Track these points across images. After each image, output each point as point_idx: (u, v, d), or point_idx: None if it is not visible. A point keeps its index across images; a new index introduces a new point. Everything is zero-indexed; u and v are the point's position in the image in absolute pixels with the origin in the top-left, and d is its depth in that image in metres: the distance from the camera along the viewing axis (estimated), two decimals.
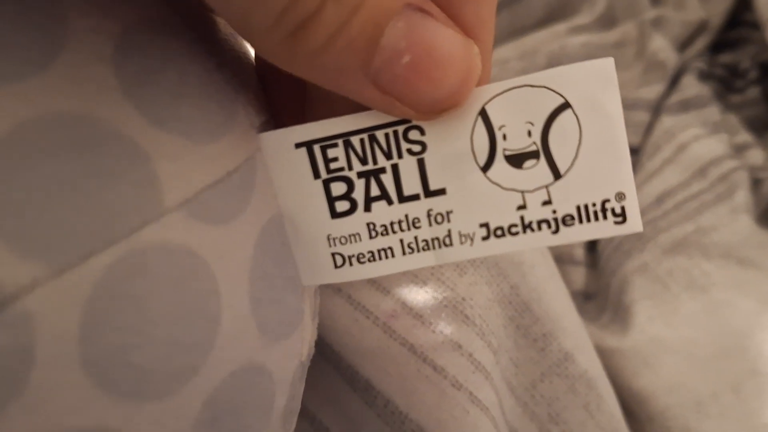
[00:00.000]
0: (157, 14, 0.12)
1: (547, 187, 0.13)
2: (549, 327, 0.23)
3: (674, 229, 0.28)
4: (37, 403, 0.10)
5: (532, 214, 0.13)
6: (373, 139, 0.13)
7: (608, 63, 0.12)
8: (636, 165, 0.31)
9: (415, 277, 0.22)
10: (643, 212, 0.29)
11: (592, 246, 0.31)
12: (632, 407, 0.26)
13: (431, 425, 0.21)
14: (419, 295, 0.22)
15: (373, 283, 0.23)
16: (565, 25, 0.32)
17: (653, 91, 0.31)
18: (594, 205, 0.12)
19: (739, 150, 0.30)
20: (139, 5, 0.12)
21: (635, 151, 0.31)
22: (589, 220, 0.12)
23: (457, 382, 0.21)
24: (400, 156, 0.13)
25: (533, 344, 0.23)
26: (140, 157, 0.11)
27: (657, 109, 0.31)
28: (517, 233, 0.13)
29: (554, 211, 0.13)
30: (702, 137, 0.30)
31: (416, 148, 0.13)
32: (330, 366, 0.23)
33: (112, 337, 0.10)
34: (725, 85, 0.33)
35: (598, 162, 0.12)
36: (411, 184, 0.13)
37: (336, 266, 0.14)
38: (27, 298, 0.10)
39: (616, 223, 0.12)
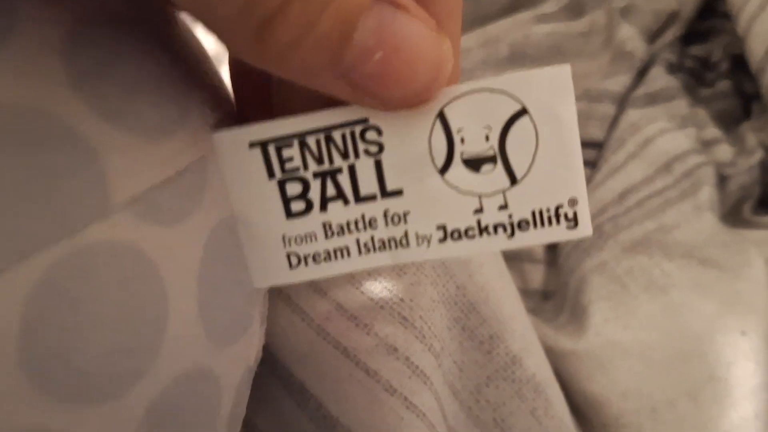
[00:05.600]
0: (112, 7, 0.12)
1: (503, 191, 0.13)
2: (496, 329, 0.22)
3: (636, 227, 0.27)
4: None
5: (489, 217, 0.13)
6: (329, 139, 0.13)
7: (565, 70, 0.12)
8: (599, 160, 0.30)
9: (351, 278, 0.21)
10: (604, 209, 0.28)
11: (551, 244, 0.30)
12: (586, 413, 0.25)
13: (362, 430, 0.20)
14: (355, 297, 0.21)
15: (312, 284, 0.22)
16: (530, 13, 0.31)
17: (619, 82, 0.30)
18: (548, 210, 0.13)
19: (707, 145, 0.29)
20: None
21: (599, 146, 0.30)
22: (543, 224, 0.13)
23: (390, 386, 0.20)
24: (356, 156, 0.13)
25: (479, 347, 0.22)
26: (88, 153, 0.11)
27: (623, 101, 0.30)
28: (473, 236, 0.13)
29: (510, 216, 0.13)
30: (668, 131, 0.29)
31: (373, 148, 0.13)
32: (266, 368, 0.22)
33: (53, 338, 0.10)
34: (695, 77, 0.31)
35: (553, 168, 0.13)
36: (368, 184, 0.13)
37: (291, 266, 0.14)
38: None
39: (568, 228, 0.13)
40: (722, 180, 0.29)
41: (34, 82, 0.10)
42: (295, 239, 0.14)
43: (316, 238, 0.14)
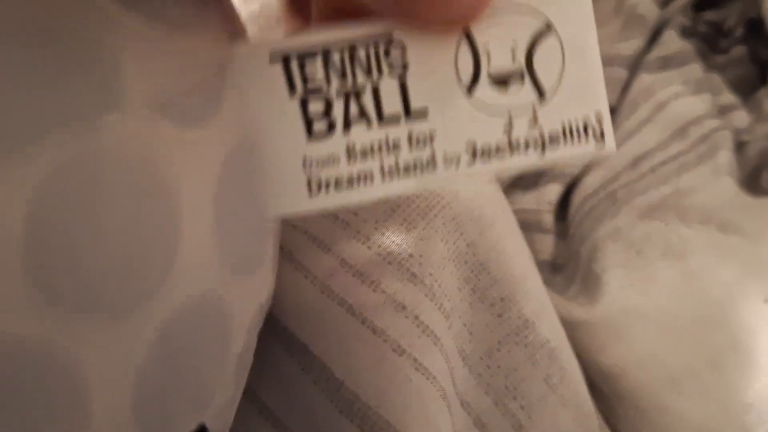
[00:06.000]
0: None
1: (533, 107, 0.13)
2: (508, 290, 0.21)
3: (651, 192, 0.26)
4: None
5: (519, 134, 0.13)
6: (353, 56, 0.13)
7: None
8: (612, 125, 0.28)
9: (357, 232, 0.20)
10: (617, 175, 0.27)
11: (561, 214, 0.29)
12: (600, 385, 0.24)
13: (369, 393, 0.18)
14: (361, 252, 0.20)
15: (315, 239, 0.20)
16: None
17: (632, 46, 0.29)
18: (577, 124, 0.13)
19: (723, 111, 0.28)
20: None
21: (611, 111, 0.29)
22: (572, 140, 0.13)
23: (398, 346, 0.19)
24: (380, 74, 0.13)
25: (490, 309, 0.21)
26: (102, 41, 0.10)
27: (635, 65, 0.29)
28: (503, 155, 0.13)
29: (540, 131, 0.13)
30: (683, 95, 0.28)
31: (398, 67, 0.13)
32: (268, 331, 0.21)
33: (60, 239, 0.09)
34: (709, 44, 0.30)
35: (579, 82, 0.13)
36: (391, 104, 0.13)
37: (311, 193, 0.14)
38: None
39: (596, 142, 0.13)
40: (739, 146, 0.27)
41: None
42: (317, 162, 0.13)
43: (338, 162, 0.13)
